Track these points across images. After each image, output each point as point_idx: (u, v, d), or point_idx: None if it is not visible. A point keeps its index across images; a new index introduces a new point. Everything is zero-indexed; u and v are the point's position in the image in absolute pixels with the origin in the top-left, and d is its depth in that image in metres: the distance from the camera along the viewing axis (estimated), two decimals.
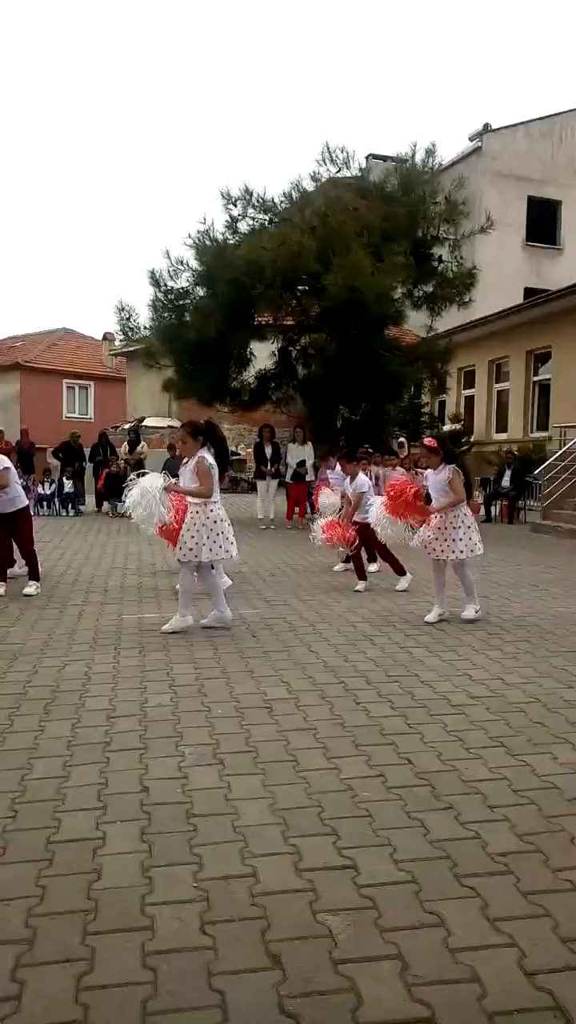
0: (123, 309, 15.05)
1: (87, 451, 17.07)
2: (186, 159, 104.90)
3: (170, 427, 21.46)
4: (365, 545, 7.62)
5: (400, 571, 7.52)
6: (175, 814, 2.79)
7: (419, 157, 14.63)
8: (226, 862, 2.46)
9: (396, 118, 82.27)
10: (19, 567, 7.40)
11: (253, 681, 4.45)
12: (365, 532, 7.64)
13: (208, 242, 13.85)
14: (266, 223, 14.59)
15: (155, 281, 14.32)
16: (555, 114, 24.45)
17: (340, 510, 8.00)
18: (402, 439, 15.93)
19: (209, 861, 2.46)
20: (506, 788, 3.02)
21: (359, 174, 15.40)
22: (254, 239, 13.61)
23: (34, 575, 7.21)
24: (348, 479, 7.80)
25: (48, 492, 15.87)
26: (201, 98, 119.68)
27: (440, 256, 14.74)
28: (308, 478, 13.51)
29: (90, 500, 16.59)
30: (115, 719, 3.80)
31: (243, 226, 14.61)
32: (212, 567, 5.83)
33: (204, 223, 14.15)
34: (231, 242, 14.09)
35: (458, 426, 19.02)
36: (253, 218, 14.72)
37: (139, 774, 3.14)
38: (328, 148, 14.44)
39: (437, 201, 14.24)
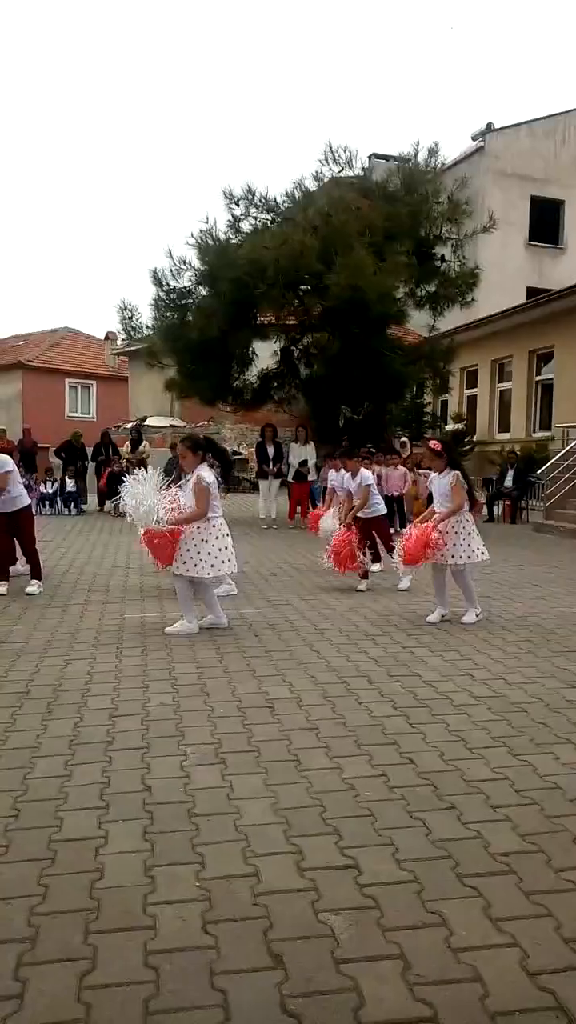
0: (125, 308, 15.08)
1: (89, 450, 17.08)
2: (189, 159, 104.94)
3: (172, 427, 21.48)
4: (370, 542, 7.59)
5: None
6: (177, 813, 2.79)
7: (422, 156, 14.65)
8: (228, 861, 2.46)
9: (399, 118, 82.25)
10: (21, 566, 7.41)
11: (255, 680, 4.45)
12: (372, 527, 7.63)
13: (210, 241, 13.86)
14: (268, 222, 14.60)
15: (157, 280, 14.33)
16: (558, 113, 24.45)
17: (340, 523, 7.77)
18: (404, 439, 15.91)
19: (211, 860, 2.46)
20: (508, 788, 3.02)
21: (362, 173, 15.40)
22: (256, 238, 13.62)
23: (36, 574, 7.22)
24: (350, 476, 7.78)
25: (50, 491, 15.89)
26: (204, 98, 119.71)
27: (443, 256, 14.73)
28: (310, 478, 13.52)
29: (92, 499, 16.61)
30: (117, 718, 3.80)
31: (245, 225, 14.63)
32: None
33: (207, 222, 14.16)
34: (233, 241, 14.10)
35: (461, 426, 19.03)
36: (256, 217, 14.74)
37: (141, 773, 3.14)
38: (331, 147, 14.45)
39: (440, 201, 14.24)
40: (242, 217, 14.61)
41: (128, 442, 17.75)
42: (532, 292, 21.25)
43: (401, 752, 3.39)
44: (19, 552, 7.31)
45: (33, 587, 7.08)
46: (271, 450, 13.38)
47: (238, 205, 14.50)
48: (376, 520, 7.75)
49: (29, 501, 7.38)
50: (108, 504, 15.85)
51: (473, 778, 3.11)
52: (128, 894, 2.28)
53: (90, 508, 16.24)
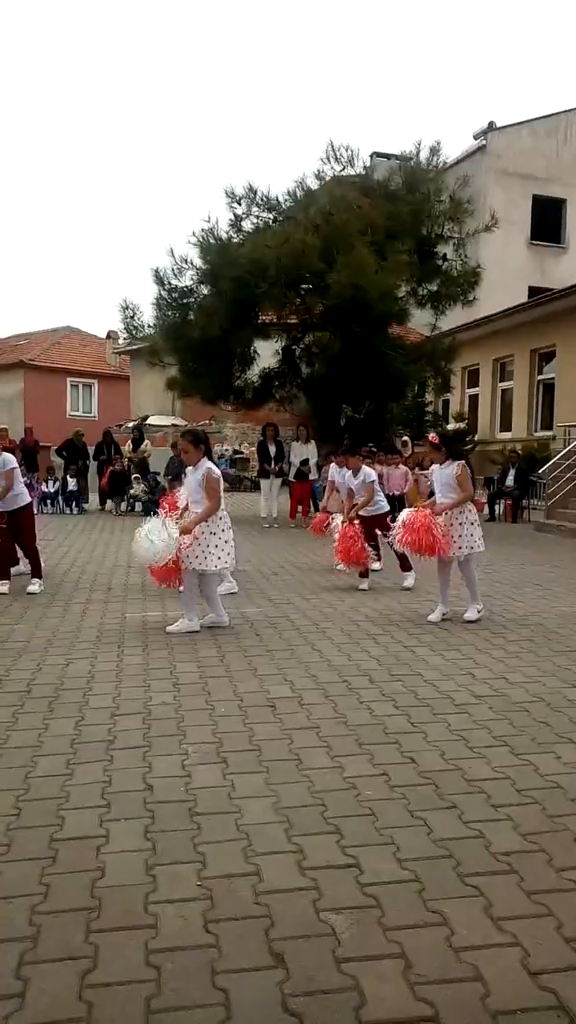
0: (127, 307, 15.09)
1: (91, 449, 17.09)
2: (190, 158, 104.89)
3: (174, 425, 21.47)
4: (372, 539, 7.58)
5: (406, 567, 7.49)
6: (178, 812, 2.79)
7: (423, 155, 14.66)
8: (229, 860, 2.46)
9: (400, 116, 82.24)
10: (23, 565, 7.41)
11: (256, 679, 4.45)
12: (375, 525, 7.62)
13: (212, 240, 13.87)
14: (270, 221, 14.61)
15: (159, 279, 14.34)
16: (560, 112, 24.40)
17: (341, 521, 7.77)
18: (406, 438, 15.92)
19: (212, 859, 2.46)
20: (509, 787, 3.02)
21: (363, 172, 15.40)
22: (258, 237, 13.62)
23: (37, 573, 7.22)
24: (351, 474, 7.78)
25: (52, 490, 15.90)
26: (205, 97, 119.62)
27: (444, 254, 14.73)
28: (311, 477, 13.52)
29: (94, 498, 16.61)
30: (119, 717, 3.80)
31: (247, 224, 14.64)
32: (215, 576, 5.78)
33: (208, 221, 14.22)
34: (235, 240, 14.10)
35: (462, 425, 19.01)
36: (257, 216, 14.75)
37: (142, 772, 3.14)
38: (332, 146, 14.48)
39: (441, 199, 14.24)
40: (244, 216, 14.63)
41: (130, 441, 17.78)
42: (534, 291, 21.22)
43: (402, 751, 3.39)
44: (20, 551, 7.31)
45: (34, 586, 7.08)
46: (272, 449, 13.38)
47: (240, 204, 14.52)
48: (380, 518, 7.74)
49: (29, 499, 7.38)
50: (110, 503, 15.87)
51: (474, 777, 3.11)
52: (129, 893, 2.28)
53: (91, 507, 16.24)
